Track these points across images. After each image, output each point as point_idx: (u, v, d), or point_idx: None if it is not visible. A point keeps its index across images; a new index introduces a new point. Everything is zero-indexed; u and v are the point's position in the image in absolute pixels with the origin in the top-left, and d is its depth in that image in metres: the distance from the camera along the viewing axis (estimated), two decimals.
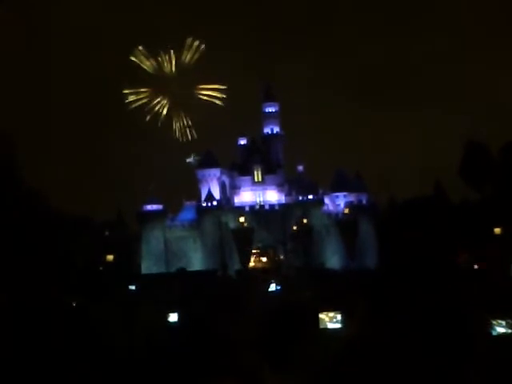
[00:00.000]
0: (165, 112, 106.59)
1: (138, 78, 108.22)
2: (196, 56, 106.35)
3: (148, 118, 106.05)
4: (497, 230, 70.52)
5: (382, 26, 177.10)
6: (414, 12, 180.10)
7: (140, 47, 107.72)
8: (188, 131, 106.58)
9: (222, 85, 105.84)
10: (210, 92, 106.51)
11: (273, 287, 55.54)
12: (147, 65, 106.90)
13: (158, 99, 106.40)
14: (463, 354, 26.13)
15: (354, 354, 24.44)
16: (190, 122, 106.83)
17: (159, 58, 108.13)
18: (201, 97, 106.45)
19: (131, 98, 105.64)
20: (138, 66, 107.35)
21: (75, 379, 27.80)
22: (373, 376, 25.34)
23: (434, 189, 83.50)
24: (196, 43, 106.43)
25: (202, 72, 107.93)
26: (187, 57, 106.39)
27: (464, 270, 51.41)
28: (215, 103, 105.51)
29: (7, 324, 35.27)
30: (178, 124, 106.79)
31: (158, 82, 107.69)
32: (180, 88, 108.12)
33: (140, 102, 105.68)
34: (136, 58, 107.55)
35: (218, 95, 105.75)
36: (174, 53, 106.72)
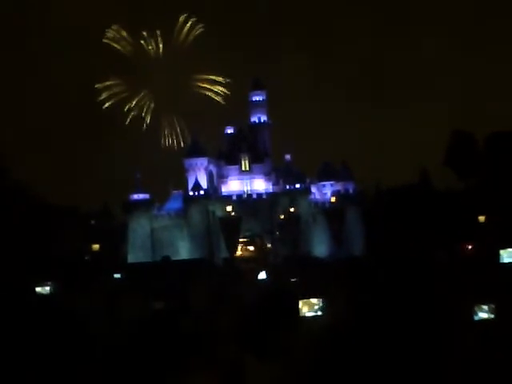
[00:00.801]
0: (150, 111, 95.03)
1: (113, 67, 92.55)
2: (191, 37, 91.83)
3: (129, 119, 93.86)
4: (481, 218, 71.25)
5: (382, 22, 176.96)
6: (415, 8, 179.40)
7: (115, 27, 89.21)
8: (180, 138, 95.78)
9: (225, 77, 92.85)
10: (209, 85, 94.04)
11: (263, 275, 55.46)
12: (126, 48, 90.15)
13: (141, 95, 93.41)
14: (442, 339, 26.46)
15: (334, 341, 24.62)
16: (181, 128, 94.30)
17: (142, 41, 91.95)
18: (197, 89, 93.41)
19: (106, 93, 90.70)
20: (115, 51, 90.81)
21: (56, 366, 27.76)
22: (353, 362, 25.53)
23: (419, 177, 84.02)
24: (191, 21, 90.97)
25: (197, 58, 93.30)
26: (180, 36, 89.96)
27: (450, 258, 51.80)
28: (214, 99, 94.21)
29: None
30: (167, 132, 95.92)
31: (140, 72, 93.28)
32: (168, 78, 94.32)
33: (117, 98, 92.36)
34: (111, 40, 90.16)
35: (220, 90, 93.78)
36: (161, 34, 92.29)
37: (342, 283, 34.97)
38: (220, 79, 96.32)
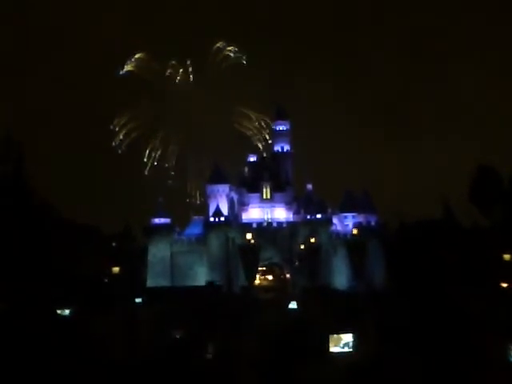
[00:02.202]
0: (175, 152, 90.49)
1: (135, 99, 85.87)
2: (225, 64, 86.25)
3: (148, 168, 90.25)
4: (506, 257, 69.64)
5: (406, 48, 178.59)
6: (441, 32, 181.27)
7: (140, 55, 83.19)
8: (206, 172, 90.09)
9: (268, 117, 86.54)
10: (250, 124, 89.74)
11: (294, 305, 54.09)
12: (150, 77, 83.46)
13: (161, 133, 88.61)
14: (474, 379, 25.51)
15: (364, 379, 23.84)
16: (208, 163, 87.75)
17: (169, 70, 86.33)
18: (229, 122, 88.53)
19: (129, 126, 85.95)
20: (137, 81, 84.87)
21: None
22: None
23: (443, 212, 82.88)
24: (230, 49, 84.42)
25: (229, 87, 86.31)
26: (216, 61, 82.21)
27: (480, 296, 50.43)
28: (251, 141, 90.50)
29: (3, 333, 34.98)
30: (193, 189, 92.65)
31: (166, 102, 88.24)
32: (196, 108, 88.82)
33: (138, 131, 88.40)
34: (134, 68, 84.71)
35: (260, 133, 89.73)
36: (191, 63, 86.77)
37: (371, 319, 33.95)
38: (256, 115, 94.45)
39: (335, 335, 29.04)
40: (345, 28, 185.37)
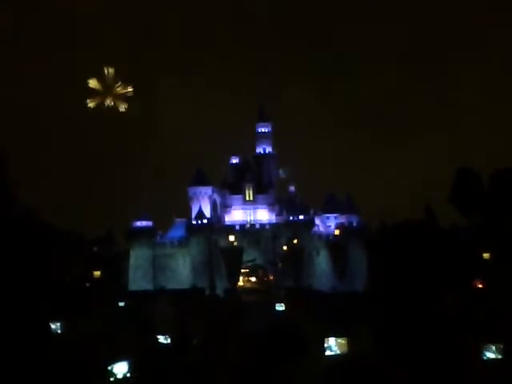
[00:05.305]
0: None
1: None
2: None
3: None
4: (485, 256, 70.79)
5: (387, 54, 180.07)
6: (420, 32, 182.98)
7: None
8: None
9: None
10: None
11: (282, 306, 53.64)
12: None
13: None
14: (449, 378, 25.89)
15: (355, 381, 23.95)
16: None
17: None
18: None
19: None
20: None
21: None
22: None
23: (424, 213, 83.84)
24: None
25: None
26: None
27: (457, 296, 51.12)
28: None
29: None
30: None
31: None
32: None
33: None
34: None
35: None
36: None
37: (361, 322, 33.99)
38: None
39: (326, 338, 29.10)
40: (344, 28, 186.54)
